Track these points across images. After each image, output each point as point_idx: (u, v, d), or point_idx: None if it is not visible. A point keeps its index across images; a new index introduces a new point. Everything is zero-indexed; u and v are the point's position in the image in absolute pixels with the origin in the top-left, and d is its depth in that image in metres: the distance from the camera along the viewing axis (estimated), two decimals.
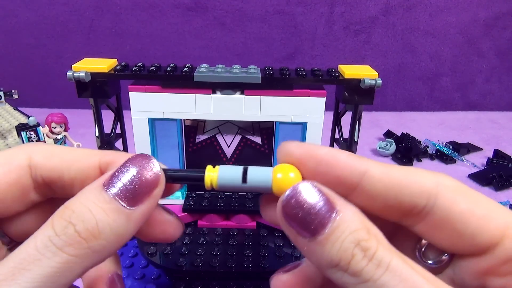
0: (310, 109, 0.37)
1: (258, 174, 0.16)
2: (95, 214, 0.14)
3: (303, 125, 0.38)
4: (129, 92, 0.36)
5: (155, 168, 0.16)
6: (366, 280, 0.13)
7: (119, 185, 0.15)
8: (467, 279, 0.15)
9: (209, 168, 0.16)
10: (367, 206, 0.15)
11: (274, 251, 0.38)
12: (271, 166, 0.41)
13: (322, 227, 0.14)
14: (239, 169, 0.16)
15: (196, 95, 0.36)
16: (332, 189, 0.15)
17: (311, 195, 0.14)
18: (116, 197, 0.15)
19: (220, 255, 0.37)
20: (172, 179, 0.16)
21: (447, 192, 0.14)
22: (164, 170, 0.16)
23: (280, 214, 0.15)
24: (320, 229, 0.14)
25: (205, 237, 0.39)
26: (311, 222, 0.14)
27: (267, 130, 0.39)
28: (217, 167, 0.16)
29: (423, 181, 0.15)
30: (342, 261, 0.13)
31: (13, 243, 0.19)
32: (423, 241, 0.16)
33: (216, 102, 0.36)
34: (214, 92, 0.36)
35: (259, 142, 0.40)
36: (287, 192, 0.15)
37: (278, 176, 0.15)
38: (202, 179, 0.16)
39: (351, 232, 0.13)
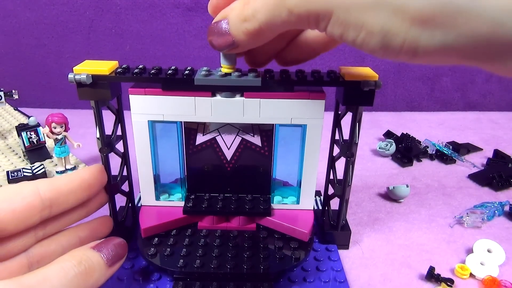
0: (309, 112, 0.37)
1: None
2: (94, 261, 0.29)
3: (303, 127, 0.38)
4: (129, 95, 0.36)
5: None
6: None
7: (107, 251, 0.30)
8: None
9: None
10: None
11: (274, 253, 0.38)
12: (271, 167, 0.41)
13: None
14: None
15: (196, 98, 0.36)
16: None
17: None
18: (104, 257, 0.30)
19: (220, 256, 0.37)
20: None
21: None
22: None
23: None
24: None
25: (205, 239, 0.39)
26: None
27: (267, 132, 0.39)
28: None
29: None
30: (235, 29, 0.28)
31: None
32: None
33: (216, 104, 0.36)
34: (214, 95, 0.36)
35: (259, 144, 0.40)
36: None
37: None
38: None
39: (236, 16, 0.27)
